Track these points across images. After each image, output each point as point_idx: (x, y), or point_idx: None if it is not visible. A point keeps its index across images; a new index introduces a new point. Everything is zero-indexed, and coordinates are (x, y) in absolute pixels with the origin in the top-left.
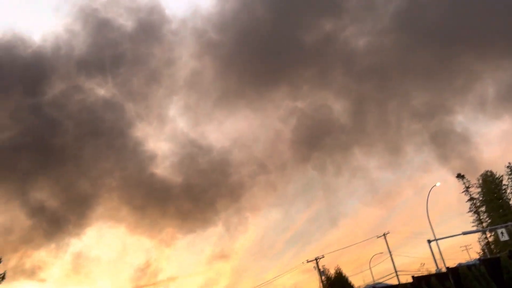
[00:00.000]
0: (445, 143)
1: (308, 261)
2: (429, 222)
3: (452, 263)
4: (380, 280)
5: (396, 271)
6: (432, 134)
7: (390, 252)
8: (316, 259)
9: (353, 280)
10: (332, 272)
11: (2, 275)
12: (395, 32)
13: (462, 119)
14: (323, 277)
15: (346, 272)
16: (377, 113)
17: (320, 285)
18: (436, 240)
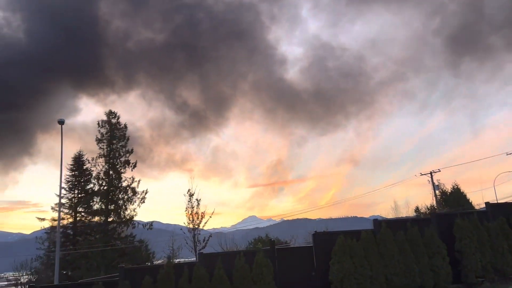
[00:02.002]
0: None
1: (421, 174)
2: None
3: None
4: (504, 200)
5: None
6: None
7: None
8: (431, 173)
9: (472, 197)
10: (448, 187)
11: (134, 163)
12: None
13: None
14: (437, 192)
15: (465, 189)
16: None
17: (433, 200)
18: None
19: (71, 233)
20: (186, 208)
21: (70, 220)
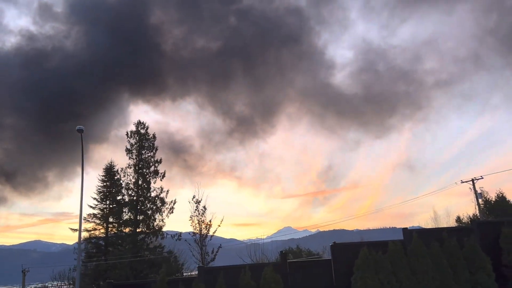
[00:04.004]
0: None
1: (462, 182)
2: None
3: None
4: None
5: None
6: None
7: None
8: (472, 180)
9: None
10: (492, 195)
11: (162, 173)
12: None
13: None
14: (480, 200)
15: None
16: None
17: (475, 208)
18: None
19: (103, 243)
20: (191, 217)
21: (102, 230)
